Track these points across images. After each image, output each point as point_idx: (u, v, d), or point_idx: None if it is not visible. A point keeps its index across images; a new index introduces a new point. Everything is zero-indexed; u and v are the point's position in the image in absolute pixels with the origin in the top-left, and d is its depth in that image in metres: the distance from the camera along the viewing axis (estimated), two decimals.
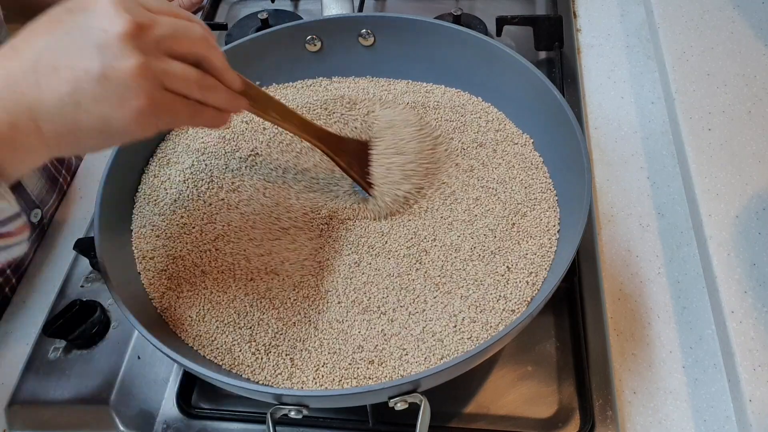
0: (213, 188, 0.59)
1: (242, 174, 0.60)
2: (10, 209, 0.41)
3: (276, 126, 0.55)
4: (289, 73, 0.67)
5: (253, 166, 0.61)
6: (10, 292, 0.67)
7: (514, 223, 0.55)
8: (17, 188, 0.66)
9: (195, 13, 0.93)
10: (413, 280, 0.53)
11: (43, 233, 0.72)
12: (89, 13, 0.37)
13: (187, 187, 0.59)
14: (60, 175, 0.75)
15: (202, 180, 0.59)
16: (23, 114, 0.37)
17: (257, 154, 0.61)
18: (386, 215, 0.58)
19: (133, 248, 0.56)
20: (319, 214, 0.58)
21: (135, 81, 0.37)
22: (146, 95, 0.38)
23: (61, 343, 0.61)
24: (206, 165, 0.60)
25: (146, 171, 0.61)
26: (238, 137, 0.62)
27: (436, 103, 0.64)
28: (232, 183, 0.59)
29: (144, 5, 0.39)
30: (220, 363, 0.50)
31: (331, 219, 0.58)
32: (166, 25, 0.39)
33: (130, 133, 0.39)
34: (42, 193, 0.70)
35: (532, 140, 0.61)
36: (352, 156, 0.59)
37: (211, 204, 0.58)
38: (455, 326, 0.50)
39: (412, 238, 0.56)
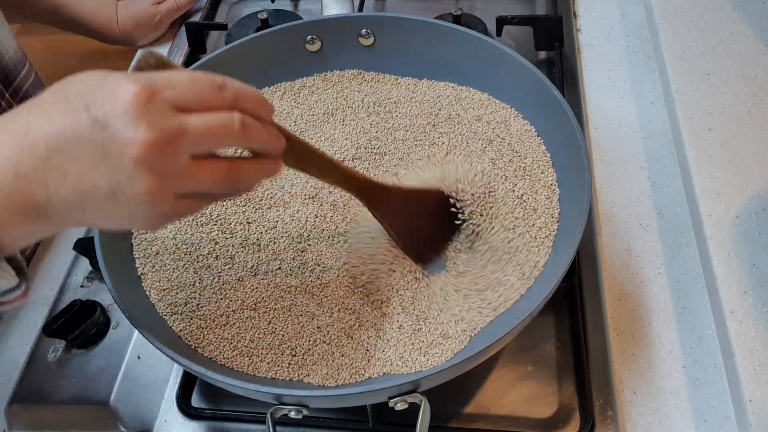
0: None
1: None
2: (7, 284, 0.39)
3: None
4: (289, 73, 0.67)
5: None
6: None
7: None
8: None
9: (194, 13, 0.93)
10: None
11: None
12: (107, 116, 0.33)
13: None
14: None
15: None
16: (31, 206, 0.35)
17: None
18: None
19: (134, 249, 0.56)
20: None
21: (146, 202, 0.34)
22: (158, 212, 0.35)
23: (61, 343, 0.61)
24: None
25: None
26: None
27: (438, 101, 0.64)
28: None
29: (178, 101, 0.35)
30: (220, 363, 0.50)
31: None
32: (197, 132, 0.35)
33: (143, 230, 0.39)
34: None
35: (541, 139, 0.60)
36: (399, 213, 0.51)
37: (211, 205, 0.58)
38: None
39: None
